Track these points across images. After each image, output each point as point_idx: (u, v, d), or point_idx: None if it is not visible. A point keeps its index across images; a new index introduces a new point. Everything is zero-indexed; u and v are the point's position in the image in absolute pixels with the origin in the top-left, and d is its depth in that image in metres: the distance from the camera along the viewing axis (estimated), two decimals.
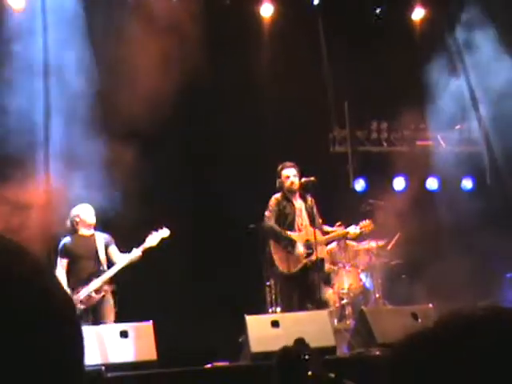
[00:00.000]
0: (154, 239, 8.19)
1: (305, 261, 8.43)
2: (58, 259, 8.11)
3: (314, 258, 8.45)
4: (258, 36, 11.79)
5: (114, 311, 8.04)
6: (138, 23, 10.41)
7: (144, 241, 8.17)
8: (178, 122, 10.62)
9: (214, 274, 10.57)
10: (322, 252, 8.58)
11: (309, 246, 8.50)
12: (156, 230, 8.25)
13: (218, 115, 10.91)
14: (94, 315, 7.97)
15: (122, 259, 8.10)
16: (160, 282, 10.10)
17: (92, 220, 8.24)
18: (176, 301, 10.17)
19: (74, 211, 8.26)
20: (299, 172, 8.65)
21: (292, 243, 8.49)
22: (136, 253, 8.06)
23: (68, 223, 8.28)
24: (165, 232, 8.30)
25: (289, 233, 8.54)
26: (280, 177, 8.65)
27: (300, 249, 8.47)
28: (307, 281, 8.48)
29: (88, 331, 7.18)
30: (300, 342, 5.04)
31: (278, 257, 8.55)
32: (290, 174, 8.57)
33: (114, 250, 8.23)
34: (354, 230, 8.97)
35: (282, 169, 8.64)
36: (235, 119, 10.75)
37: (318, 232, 8.52)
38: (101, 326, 7.65)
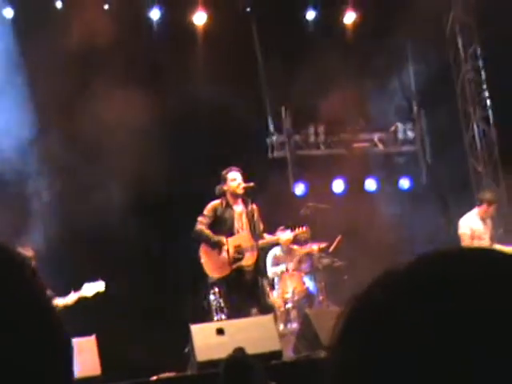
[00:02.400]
0: (89, 290, 8.20)
1: (233, 266, 8.38)
2: None
3: (242, 263, 8.42)
4: (193, 44, 11.77)
5: None
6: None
7: (80, 288, 8.16)
8: None
9: (158, 284, 10.50)
10: (251, 258, 8.52)
11: (240, 251, 8.46)
12: (93, 280, 8.25)
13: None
14: None
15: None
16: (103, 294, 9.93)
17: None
18: (120, 313, 10.06)
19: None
20: (243, 177, 8.63)
21: (220, 247, 8.43)
22: (72, 298, 8.10)
23: None
24: (100, 286, 8.28)
25: (220, 237, 8.47)
26: (225, 181, 8.59)
27: (224, 254, 8.41)
28: (245, 285, 8.43)
29: None
30: (239, 351, 5.02)
31: (206, 262, 8.50)
32: (236, 178, 8.54)
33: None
34: (286, 236, 8.95)
35: (228, 172, 8.60)
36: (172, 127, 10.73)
37: (251, 238, 8.47)
38: None
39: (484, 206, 9.60)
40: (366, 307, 0.83)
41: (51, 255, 9.29)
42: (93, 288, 8.19)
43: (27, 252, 7.96)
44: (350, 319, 0.83)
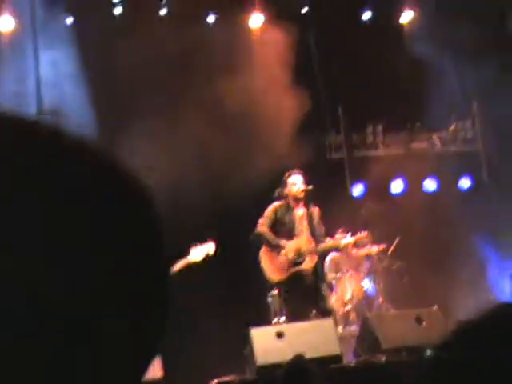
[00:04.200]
0: (198, 254, 7.68)
1: (292, 269, 8.36)
2: None
3: (303, 267, 8.39)
4: (249, 46, 11.79)
5: None
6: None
7: (188, 253, 7.62)
8: None
9: (218, 286, 10.53)
10: (311, 261, 8.49)
11: (300, 254, 8.45)
12: (200, 243, 7.75)
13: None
14: None
15: None
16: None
17: None
18: (177, 315, 10.13)
19: None
20: (305, 180, 8.61)
21: (279, 250, 8.42)
22: (178, 265, 7.47)
23: None
24: (210, 248, 7.77)
25: (279, 240, 8.46)
26: (286, 185, 8.59)
27: (283, 257, 8.39)
28: (305, 288, 8.41)
29: None
30: (299, 357, 5.02)
31: (266, 265, 8.50)
32: (296, 181, 8.54)
33: None
34: (347, 241, 8.85)
35: (289, 176, 8.61)
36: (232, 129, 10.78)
37: (311, 241, 8.44)
38: None
39: None
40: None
41: None
42: (201, 251, 7.66)
43: None
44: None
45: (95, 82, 10.76)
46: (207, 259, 7.75)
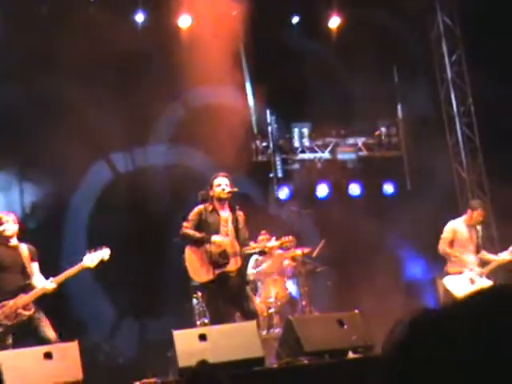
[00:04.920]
0: (91, 259, 7.64)
1: (216, 271, 8.36)
2: None
3: (227, 268, 8.40)
4: (177, 46, 11.75)
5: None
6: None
7: (80, 260, 7.60)
8: None
9: (142, 289, 10.48)
10: (235, 264, 8.50)
11: (224, 256, 8.45)
12: (94, 250, 7.71)
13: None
14: (29, 332, 7.45)
15: (41, 283, 7.58)
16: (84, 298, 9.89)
17: (15, 228, 7.71)
18: (102, 317, 10.03)
19: None
20: (231, 183, 8.61)
21: (208, 239, 8.39)
22: (50, 285, 7.50)
23: None
24: (105, 253, 7.74)
25: (204, 234, 8.43)
26: (211, 186, 8.59)
27: (218, 238, 8.38)
28: (229, 290, 8.42)
29: (9, 356, 7.00)
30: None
31: (191, 266, 8.48)
32: (221, 183, 8.53)
33: (36, 267, 7.72)
34: (272, 244, 8.88)
35: (214, 178, 8.60)
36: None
37: (235, 244, 8.47)
38: (24, 349, 7.33)
39: (469, 212, 9.64)
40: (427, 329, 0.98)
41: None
42: (95, 257, 7.62)
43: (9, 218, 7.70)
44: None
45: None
46: (102, 265, 7.74)
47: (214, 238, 8.34)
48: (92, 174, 10.98)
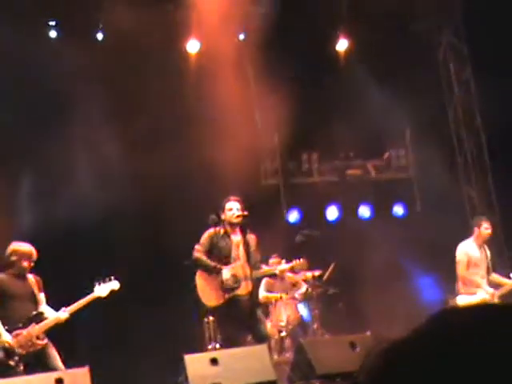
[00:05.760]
0: (103, 290, 7.73)
1: (228, 295, 8.35)
2: None
3: (238, 292, 8.38)
4: (185, 72, 11.83)
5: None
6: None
7: (92, 291, 7.68)
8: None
9: (152, 313, 10.45)
10: (247, 287, 8.48)
11: (236, 280, 8.44)
12: (103, 281, 7.80)
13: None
14: (39, 362, 7.40)
15: (50, 313, 7.59)
16: (92, 323, 9.84)
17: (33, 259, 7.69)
18: (113, 341, 10.01)
19: (13, 247, 7.71)
20: (242, 207, 8.61)
21: (217, 272, 8.40)
22: (64, 315, 7.54)
23: (5, 258, 7.68)
24: (114, 284, 7.85)
25: (217, 264, 8.45)
26: (223, 210, 8.60)
27: (226, 275, 8.38)
28: (240, 313, 8.39)
29: (20, 381, 6.99)
30: None
31: (202, 290, 8.46)
32: (232, 207, 8.53)
33: (43, 298, 7.74)
34: (282, 267, 8.84)
35: (226, 202, 8.61)
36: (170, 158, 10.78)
37: (247, 268, 8.45)
38: (35, 375, 7.30)
39: (476, 230, 9.60)
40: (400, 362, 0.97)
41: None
42: (106, 288, 7.75)
43: (26, 249, 7.72)
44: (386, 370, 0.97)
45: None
46: (112, 294, 7.85)
47: (225, 270, 8.34)
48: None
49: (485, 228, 9.55)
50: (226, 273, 8.36)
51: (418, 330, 1.00)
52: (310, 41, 12.54)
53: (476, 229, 9.60)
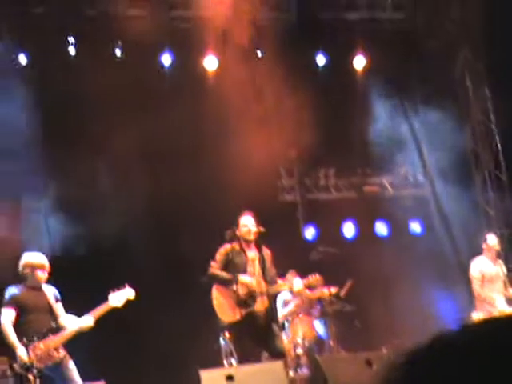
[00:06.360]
0: (118, 299, 7.64)
1: (244, 311, 8.34)
2: (3, 309, 7.41)
3: (254, 308, 8.37)
4: (203, 88, 11.90)
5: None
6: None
7: (106, 299, 7.61)
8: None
9: (168, 327, 10.47)
10: (262, 303, 8.46)
11: (252, 296, 8.43)
12: (117, 289, 7.72)
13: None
14: (57, 375, 7.36)
15: (71, 323, 7.56)
16: (105, 336, 9.81)
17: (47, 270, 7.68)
18: (129, 357, 10.01)
19: (25, 258, 7.68)
20: (257, 222, 8.61)
21: (235, 279, 8.39)
22: (87, 322, 7.51)
23: (19, 271, 7.64)
24: (129, 292, 7.76)
25: (232, 275, 8.43)
26: (238, 226, 8.60)
27: (246, 278, 8.36)
28: (256, 330, 8.37)
29: None
30: None
31: (218, 306, 8.45)
32: (247, 223, 8.53)
33: (60, 308, 7.70)
34: (298, 283, 8.77)
35: (241, 217, 8.62)
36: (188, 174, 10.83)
37: (262, 284, 8.44)
38: None
39: (485, 245, 9.65)
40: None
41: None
42: (121, 296, 7.64)
43: (38, 259, 7.72)
44: None
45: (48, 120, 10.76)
46: (128, 304, 7.76)
47: (242, 278, 8.33)
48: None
49: (490, 240, 9.62)
50: (245, 277, 8.35)
51: (434, 341, 1.01)
52: (327, 57, 12.61)
53: (484, 244, 9.67)
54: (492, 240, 9.68)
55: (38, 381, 7.28)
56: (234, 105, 11.25)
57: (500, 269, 9.63)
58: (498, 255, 9.78)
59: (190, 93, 11.51)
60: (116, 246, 10.73)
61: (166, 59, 11.97)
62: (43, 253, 7.88)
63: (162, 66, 11.97)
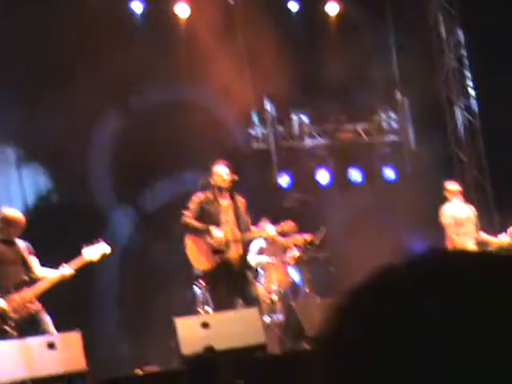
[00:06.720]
0: (93, 253, 7.61)
1: (218, 258, 8.38)
2: None
3: (228, 255, 8.41)
4: (175, 35, 11.75)
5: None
6: None
7: (79, 254, 7.55)
8: None
9: (143, 277, 10.50)
10: (237, 250, 8.50)
11: (226, 243, 8.46)
12: (91, 243, 7.67)
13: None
14: (32, 327, 7.38)
15: (48, 274, 7.52)
16: (84, 287, 9.81)
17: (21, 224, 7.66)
18: (104, 307, 10.05)
19: (1, 213, 7.64)
20: (231, 170, 8.61)
21: (208, 231, 8.41)
22: (67, 270, 7.46)
23: None
24: (105, 247, 7.70)
25: (206, 225, 8.45)
26: (211, 174, 8.60)
27: (217, 233, 8.39)
28: (231, 277, 8.42)
29: (13, 345, 7.03)
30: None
31: (192, 254, 8.49)
32: (221, 172, 8.54)
33: (35, 260, 7.67)
34: (271, 229, 8.82)
35: (215, 166, 8.62)
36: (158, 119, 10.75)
37: (236, 231, 8.47)
38: (27, 338, 7.34)
39: (447, 193, 9.72)
40: (361, 310, 0.80)
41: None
42: (96, 250, 7.61)
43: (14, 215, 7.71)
44: (344, 322, 0.80)
45: None
46: (104, 258, 7.73)
47: (214, 232, 8.35)
48: None
49: (450, 187, 9.67)
50: (217, 232, 8.38)
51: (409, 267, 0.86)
52: (300, 4, 12.50)
53: (445, 192, 9.72)
54: (451, 185, 9.71)
55: (15, 332, 7.31)
56: (205, 52, 11.13)
57: (470, 211, 9.69)
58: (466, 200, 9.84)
59: (162, 40, 11.36)
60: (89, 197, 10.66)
61: (137, 6, 11.80)
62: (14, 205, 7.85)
63: (133, 13, 11.79)
